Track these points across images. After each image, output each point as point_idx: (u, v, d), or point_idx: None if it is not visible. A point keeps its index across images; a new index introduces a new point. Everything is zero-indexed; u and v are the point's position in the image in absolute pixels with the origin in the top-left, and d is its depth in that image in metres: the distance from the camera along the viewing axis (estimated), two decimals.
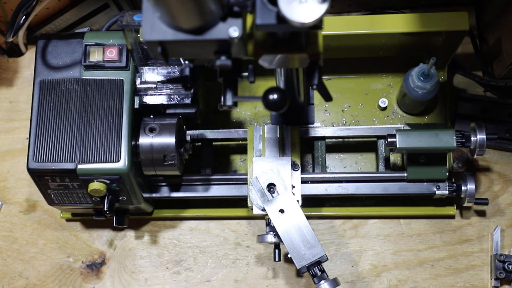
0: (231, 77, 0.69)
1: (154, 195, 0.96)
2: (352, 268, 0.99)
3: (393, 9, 1.05)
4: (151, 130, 0.87)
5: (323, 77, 0.96)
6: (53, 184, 0.88)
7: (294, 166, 0.90)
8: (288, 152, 0.91)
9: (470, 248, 0.99)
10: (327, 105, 1.03)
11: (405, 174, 0.92)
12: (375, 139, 0.98)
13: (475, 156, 0.90)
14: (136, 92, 0.88)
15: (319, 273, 0.83)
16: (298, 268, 0.83)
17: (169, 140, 0.86)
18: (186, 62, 0.70)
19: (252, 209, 0.88)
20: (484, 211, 1.00)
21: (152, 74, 0.89)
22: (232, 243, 1.01)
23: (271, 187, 0.87)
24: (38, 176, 0.87)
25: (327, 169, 0.99)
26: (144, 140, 0.87)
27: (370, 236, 1.00)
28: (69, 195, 0.90)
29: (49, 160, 0.85)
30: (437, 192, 0.92)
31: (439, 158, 0.91)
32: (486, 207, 1.00)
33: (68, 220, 1.04)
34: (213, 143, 0.99)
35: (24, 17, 0.90)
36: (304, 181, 0.92)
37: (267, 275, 0.99)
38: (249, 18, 0.62)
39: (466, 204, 0.93)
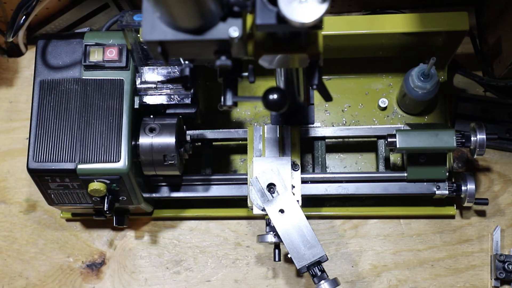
0: (231, 77, 0.69)
1: (154, 195, 0.96)
2: (352, 268, 0.99)
3: (393, 9, 1.06)
4: (151, 130, 0.87)
5: (323, 77, 0.97)
6: (53, 184, 0.88)
7: (294, 166, 0.90)
8: (288, 152, 0.91)
9: (470, 248, 0.99)
10: (327, 105, 1.03)
11: (405, 174, 0.92)
12: (375, 139, 0.98)
13: (475, 156, 0.90)
14: (136, 92, 0.88)
15: (319, 273, 0.83)
16: (298, 268, 0.83)
17: (169, 140, 0.86)
18: (186, 62, 0.70)
19: (252, 209, 0.88)
20: (484, 211, 1.00)
21: (152, 74, 0.89)
22: (232, 243, 1.01)
23: (271, 187, 0.87)
24: (38, 176, 0.87)
25: (327, 169, 0.99)
26: (144, 140, 0.87)
27: (370, 236, 1.00)
28: (69, 195, 0.90)
29: (49, 160, 0.85)
30: (437, 192, 0.92)
31: (439, 158, 0.91)
32: (486, 207, 1.00)
33: (68, 220, 1.04)
34: (213, 143, 0.99)
35: (24, 17, 0.90)
36: (304, 181, 0.92)
37: (267, 275, 0.99)
38: (249, 18, 0.62)
39: (466, 204, 0.93)
